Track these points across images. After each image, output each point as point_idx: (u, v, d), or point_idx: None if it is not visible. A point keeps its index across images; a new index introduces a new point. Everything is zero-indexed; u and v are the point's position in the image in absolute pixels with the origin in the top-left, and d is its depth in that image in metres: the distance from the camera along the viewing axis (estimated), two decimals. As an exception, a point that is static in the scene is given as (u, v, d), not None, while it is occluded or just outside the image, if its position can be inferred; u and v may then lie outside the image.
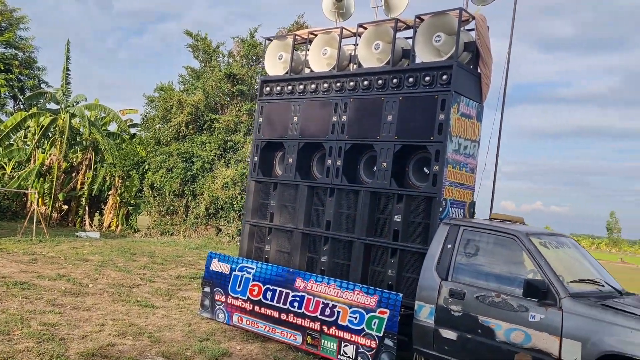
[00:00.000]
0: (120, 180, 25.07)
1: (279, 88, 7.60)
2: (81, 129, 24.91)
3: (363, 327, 5.59)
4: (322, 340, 5.91)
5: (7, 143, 22.84)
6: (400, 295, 5.43)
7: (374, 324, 5.51)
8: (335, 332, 5.82)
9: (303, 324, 6.10)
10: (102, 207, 27.10)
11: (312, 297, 6.08)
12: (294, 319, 6.19)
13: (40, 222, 15.39)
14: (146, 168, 22.23)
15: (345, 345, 5.72)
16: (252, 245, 7.70)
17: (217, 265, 7.17)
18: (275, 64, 7.78)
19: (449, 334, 4.97)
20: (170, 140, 21.65)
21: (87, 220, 25.23)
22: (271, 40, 7.95)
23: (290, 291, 6.30)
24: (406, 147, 6.21)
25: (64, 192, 23.75)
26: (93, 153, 24.87)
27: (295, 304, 6.21)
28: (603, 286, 4.90)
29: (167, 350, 5.68)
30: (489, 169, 6.57)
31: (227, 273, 7.00)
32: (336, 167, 6.75)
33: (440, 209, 5.78)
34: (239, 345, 6.23)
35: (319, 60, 7.27)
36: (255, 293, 6.63)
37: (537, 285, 4.43)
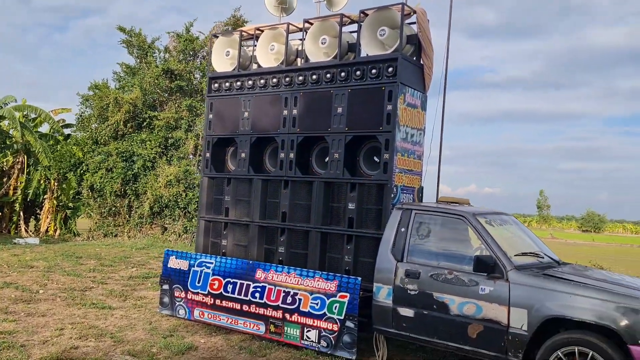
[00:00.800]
0: (56, 183, 24.16)
1: (227, 84, 7.67)
2: (11, 131, 23.76)
3: (325, 312, 5.84)
4: (285, 328, 6.12)
5: None
6: (359, 279, 5.71)
7: (335, 308, 5.77)
8: (297, 318, 6.03)
9: (265, 313, 6.28)
10: (38, 212, 26.05)
11: (273, 287, 6.27)
12: (256, 309, 6.36)
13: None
14: (84, 169, 21.52)
15: (308, 330, 5.95)
16: (208, 240, 7.76)
17: (174, 262, 7.21)
18: (222, 60, 7.85)
19: (406, 311, 5.30)
20: (108, 139, 21.08)
21: (23, 226, 24.20)
22: (217, 37, 8.00)
23: (251, 282, 6.45)
24: (357, 137, 6.48)
25: (-5, 199, 22.65)
26: (25, 156, 23.82)
27: (257, 294, 6.37)
28: (543, 258, 5.37)
29: (132, 349, 5.71)
30: (433, 155, 6.94)
31: (186, 269, 7.05)
32: (289, 159, 6.93)
33: (392, 195, 6.09)
34: (203, 338, 6.34)
35: (267, 55, 7.40)
36: (215, 287, 6.74)
37: (485, 261, 4.81)
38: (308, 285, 6.00)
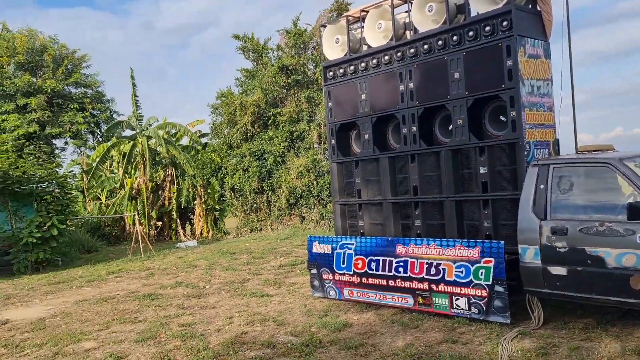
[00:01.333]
0: (202, 189, 26.32)
1: (341, 70, 7.86)
2: (158, 149, 26.33)
3: (471, 279, 5.82)
4: (433, 298, 6.20)
5: (98, 175, 24.61)
6: (502, 242, 5.61)
7: (481, 274, 5.73)
8: (444, 288, 6.09)
9: (411, 286, 6.42)
10: (191, 217, 28.61)
11: (415, 260, 6.38)
12: (402, 284, 6.52)
13: (144, 240, 16.60)
14: (224, 173, 23.21)
15: (457, 299, 5.98)
16: (345, 223, 8.07)
17: (318, 247, 7.61)
18: (333, 48, 8.05)
19: (558, 270, 5.11)
20: (240, 142, 22.47)
21: (181, 232, 26.76)
22: (325, 26, 8.21)
23: (393, 258, 6.62)
24: (478, 100, 6.32)
25: (155, 210, 25.26)
26: (173, 169, 26.23)
27: (400, 269, 6.53)
28: None
29: (293, 330, 6.18)
30: (566, 104, 6.53)
31: (330, 253, 7.42)
32: (412, 133, 6.96)
33: (525, 153, 5.88)
34: (356, 316, 6.64)
35: (375, 35, 7.46)
36: (359, 266, 7.02)
37: (639, 207, 4.48)
38: (450, 255, 6.02)
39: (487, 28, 6.11)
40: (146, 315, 7.53)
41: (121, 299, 8.92)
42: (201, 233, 27.08)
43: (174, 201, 26.39)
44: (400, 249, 6.56)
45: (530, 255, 5.33)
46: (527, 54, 6.03)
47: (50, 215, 14.59)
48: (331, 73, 8.04)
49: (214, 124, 23.47)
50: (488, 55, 6.12)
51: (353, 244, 7.14)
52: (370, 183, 7.63)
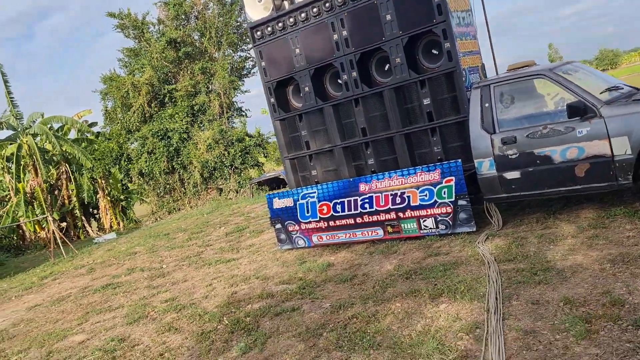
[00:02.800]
0: (103, 181, 25.07)
1: (269, 29, 7.98)
2: (45, 146, 24.50)
3: (435, 200, 6.45)
4: (402, 225, 6.78)
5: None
6: (459, 160, 6.26)
7: (444, 193, 6.37)
8: (411, 213, 6.67)
9: (379, 219, 6.94)
10: (95, 212, 27.20)
11: (380, 194, 6.88)
12: (369, 218, 7.02)
13: (62, 240, 15.71)
14: (126, 159, 22.28)
15: (424, 220, 6.60)
16: (297, 176, 8.38)
17: (279, 203, 7.88)
18: (256, 8, 8.10)
19: (512, 174, 5.86)
20: (139, 124, 21.63)
21: (89, 228, 25.45)
22: (244, -13, 8.22)
23: (357, 197, 7.08)
24: (412, 37, 6.82)
25: (56, 211, 23.75)
26: (66, 165, 24.66)
27: (366, 205, 7.01)
28: (623, 88, 5.79)
29: (282, 280, 6.46)
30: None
31: (292, 205, 7.72)
32: (353, 79, 7.35)
33: (463, 79, 6.51)
34: (332, 256, 7.06)
35: (298, -11, 7.64)
36: (325, 212, 7.41)
37: (577, 106, 5.27)
38: (413, 182, 6.59)
39: (411, -31, 6.56)
40: (119, 302, 7.41)
41: (78, 295, 8.62)
42: (111, 226, 25.96)
43: (74, 198, 25.00)
44: (363, 187, 7.02)
45: (486, 167, 6.03)
46: (451, -12, 6.59)
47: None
48: (259, 33, 8.12)
49: (106, 110, 22.26)
50: (416, -5, 6.60)
51: (315, 192, 7.49)
52: (317, 133, 7.96)
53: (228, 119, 21.81)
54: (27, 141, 22.21)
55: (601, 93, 5.48)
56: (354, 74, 7.32)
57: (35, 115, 23.24)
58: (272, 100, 8.25)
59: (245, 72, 23.92)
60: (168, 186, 21.47)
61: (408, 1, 6.69)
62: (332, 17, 7.32)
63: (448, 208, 6.37)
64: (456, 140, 6.73)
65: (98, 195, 25.66)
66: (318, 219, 7.49)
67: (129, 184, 24.51)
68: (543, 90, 5.84)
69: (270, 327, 4.97)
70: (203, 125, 21.48)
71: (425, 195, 6.51)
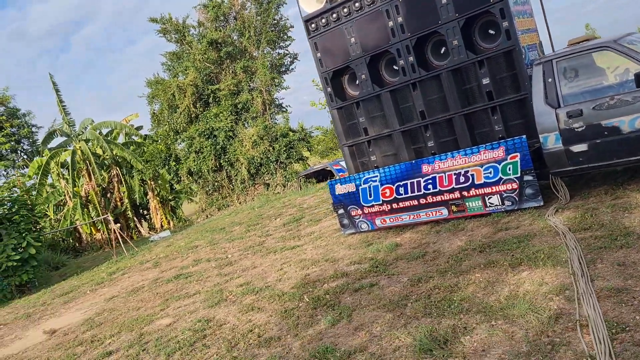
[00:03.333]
0: (153, 182, 25.86)
1: (324, 21, 8.21)
2: (96, 150, 25.45)
3: (500, 177, 6.56)
4: (467, 203, 6.92)
5: (41, 191, 23.55)
6: (524, 137, 6.35)
7: (509, 170, 6.47)
8: (475, 192, 6.80)
9: (443, 198, 7.09)
10: (145, 213, 28.07)
11: (443, 174, 7.03)
12: (433, 199, 7.18)
13: (123, 239, 16.39)
14: (174, 160, 22.94)
15: (489, 198, 6.72)
16: (356, 162, 8.59)
17: (341, 189, 8.11)
18: (309, 1, 8.34)
19: (579, 147, 5.92)
20: (185, 125, 22.22)
21: (141, 229, 26.31)
22: (297, -18, 8.46)
23: (420, 179, 7.25)
24: (469, 19, 6.93)
25: (110, 213, 24.64)
26: (117, 168, 25.53)
27: (430, 186, 7.18)
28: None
29: (352, 261, 6.70)
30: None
31: (354, 190, 7.95)
32: (410, 64, 7.51)
33: (522, 57, 6.59)
34: (398, 237, 7.26)
35: (351, -21, 7.84)
36: (388, 195, 7.60)
37: (646, 74, 5.30)
38: (476, 160, 6.71)
39: (466, -48, 6.67)
40: (195, 289, 7.80)
41: (152, 286, 9.07)
42: (161, 225, 26.76)
43: (126, 200, 25.85)
44: (426, 168, 7.18)
45: (551, 141, 6.11)
46: (506, -32, 6.67)
47: (23, 235, 14.08)
48: (313, 25, 8.36)
49: (154, 113, 22.95)
50: (472, -24, 6.71)
51: (377, 176, 7.69)
52: (375, 119, 8.15)
53: (271, 116, 22.20)
54: (80, 147, 23.14)
55: (669, 60, 5.48)
56: (411, 58, 7.47)
57: (86, 121, 24.20)
58: (329, 89, 8.48)
59: (283, 69, 24.27)
60: (216, 184, 22.03)
61: (463, -17, 6.80)
62: (386, 4, 7.49)
63: (514, 184, 6.48)
64: (517, 118, 6.82)
65: (148, 196, 26.50)
66: (381, 202, 7.69)
67: (176, 185, 25.22)
68: (604, 64, 5.87)
69: (352, 301, 5.21)
70: (247, 123, 21.92)
71: (490, 173, 6.63)
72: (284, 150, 20.89)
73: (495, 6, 6.61)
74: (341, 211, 8.20)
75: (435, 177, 7.11)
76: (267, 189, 21.04)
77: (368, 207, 7.85)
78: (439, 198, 7.13)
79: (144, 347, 5.79)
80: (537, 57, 6.64)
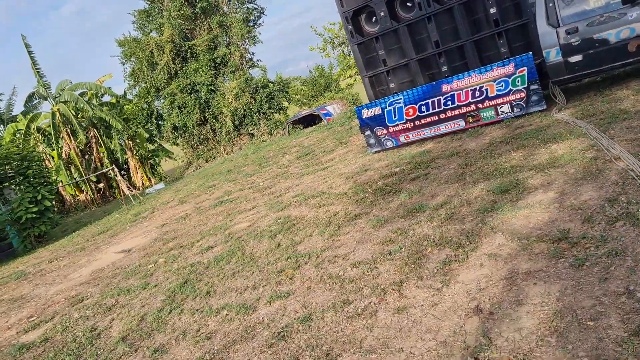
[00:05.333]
0: (131, 141, 26.27)
1: (343, -36, 9.31)
2: (73, 112, 25.51)
3: (510, 89, 8.03)
4: (481, 114, 8.39)
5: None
6: (530, 53, 7.81)
7: (518, 82, 7.95)
8: (489, 103, 8.27)
9: (460, 112, 8.53)
10: (122, 173, 28.48)
11: (460, 91, 8.45)
12: (451, 113, 8.61)
13: (129, 190, 17.17)
14: (156, 117, 23.46)
15: (501, 107, 8.20)
16: (375, 90, 9.90)
17: (367, 113, 9.42)
18: (328, -53, 9.40)
19: (575, 58, 7.45)
20: (166, 82, 22.72)
21: (124, 187, 26.78)
22: None
23: (440, 97, 8.64)
24: (478, -42, 8.24)
25: (92, 174, 25.04)
26: (94, 129, 25.77)
27: (449, 103, 8.59)
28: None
29: (392, 165, 8.06)
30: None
31: (380, 113, 9.27)
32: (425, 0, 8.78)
33: (524, -12, 7.99)
34: (422, 148, 8.67)
35: None
36: (411, 114, 8.98)
37: (629, -6, 6.81)
38: (490, 76, 8.15)
39: None
40: (251, 205, 8.99)
41: (199, 212, 10.18)
42: (143, 183, 27.34)
43: (106, 160, 26.22)
44: (445, 87, 8.57)
45: (553, 55, 7.61)
46: None
47: (38, 188, 14.70)
48: (333, -31, 9.43)
49: (133, 71, 23.25)
50: None
51: (401, 99, 9.03)
52: (393, 51, 9.44)
53: (248, 69, 23.00)
54: (59, 109, 23.24)
55: (646, -17, 7.01)
56: (426, -5, 8.74)
57: (63, 83, 24.17)
58: (350, 27, 9.66)
59: (252, 24, 24.90)
60: (202, 137, 22.82)
61: None
62: (403, -52, 8.67)
63: (522, 93, 7.97)
64: (520, 41, 8.28)
65: (126, 156, 26.90)
66: (405, 120, 9.06)
67: (159, 141, 25.73)
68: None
69: (414, 186, 6.60)
70: (226, 77, 22.65)
71: (502, 86, 8.09)
72: (265, 101, 21.85)
73: (501, -54, 7.93)
74: (368, 132, 9.53)
75: (454, 94, 8.52)
76: (252, 138, 22.06)
77: (393, 126, 9.22)
78: (457, 112, 8.57)
79: (239, 240, 7.02)
80: (537, -13, 8.04)
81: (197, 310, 4.99)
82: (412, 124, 9.02)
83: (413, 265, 4.24)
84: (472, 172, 6.19)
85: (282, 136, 20.17)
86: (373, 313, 3.70)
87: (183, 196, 13.42)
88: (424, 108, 8.84)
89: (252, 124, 21.97)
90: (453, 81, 8.51)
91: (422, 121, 8.91)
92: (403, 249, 4.63)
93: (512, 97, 8.07)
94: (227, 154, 22.26)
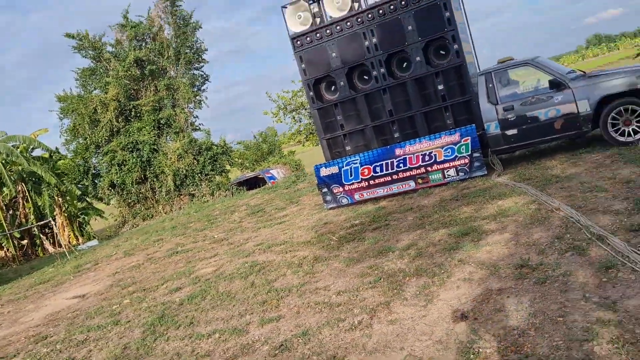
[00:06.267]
0: (60, 198, 25.46)
1: (308, 39, 10.33)
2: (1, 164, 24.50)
3: (455, 155, 9.07)
4: (430, 176, 9.33)
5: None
6: (474, 125, 8.94)
7: (463, 149, 9.01)
8: (437, 167, 9.24)
9: (411, 174, 9.44)
10: (47, 231, 27.29)
11: (412, 155, 9.40)
12: (403, 175, 9.50)
13: (63, 245, 16.60)
14: (92, 174, 23.08)
15: (447, 171, 9.19)
16: (332, 152, 10.69)
17: (325, 171, 10.15)
18: (296, 23, 10.43)
19: (511, 131, 8.63)
20: (108, 138, 22.63)
21: (49, 245, 25.57)
22: (286, 7, 10.51)
23: (393, 159, 9.54)
24: (428, 41, 9.48)
25: (16, 230, 23.90)
26: (22, 184, 24.83)
27: (401, 165, 9.50)
28: (576, 71, 8.78)
29: (349, 219, 8.71)
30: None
31: (337, 172, 10.02)
32: (382, 74, 9.88)
33: (467, 70, 9.26)
34: (375, 205, 9.42)
35: (333, 8, 10.10)
36: (366, 174, 9.79)
37: (555, 81, 8.15)
38: (438, 143, 9.18)
39: (428, -7, 9.26)
40: (210, 254, 9.23)
41: (152, 261, 10.22)
42: (69, 242, 26.25)
43: (31, 217, 25.15)
44: (398, 151, 9.51)
45: (492, 128, 8.77)
46: (454, 7, 9.37)
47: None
48: (299, 42, 10.42)
49: (74, 126, 22.94)
50: (432, 11, 9.30)
51: (358, 160, 9.86)
52: (350, 117, 10.37)
53: (193, 131, 23.47)
54: (-11, 160, 22.34)
55: (567, 74, 8.43)
56: (382, 70, 9.85)
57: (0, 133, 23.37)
58: (311, 93, 10.55)
59: (195, 89, 25.62)
60: (141, 195, 22.57)
61: (425, 16, 9.36)
62: (364, 28, 9.83)
63: (466, 160, 9.02)
64: (463, 114, 9.44)
65: (55, 213, 25.90)
66: (360, 180, 9.85)
67: (89, 199, 25.14)
68: (521, 77, 8.72)
69: (377, 234, 7.25)
70: (170, 137, 22.94)
71: (449, 152, 9.12)
72: (208, 163, 22.23)
73: (449, 33, 9.24)
74: (325, 189, 10.21)
75: (406, 157, 9.46)
76: (193, 198, 22.11)
77: (349, 184, 9.96)
78: (408, 174, 9.47)
79: (209, 282, 7.26)
80: (478, 71, 9.35)
81: (185, 336, 5.21)
82: (367, 183, 9.81)
83: (395, 290, 4.79)
84: (431, 222, 6.94)
85: (226, 197, 20.45)
86: (368, 325, 4.19)
87: (128, 249, 13.28)
88: (378, 169, 9.69)
89: (193, 185, 22.12)
90: (406, 146, 9.47)
91: (376, 181, 9.73)
92: (382, 279, 5.19)
93: (457, 163, 9.09)
94: (165, 213, 22.10)
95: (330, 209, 10.23)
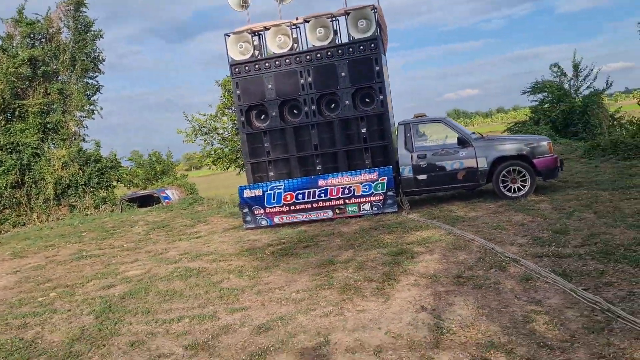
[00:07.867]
0: None
1: (247, 68, 11.04)
2: None
3: (372, 191, 10.20)
4: (347, 208, 10.33)
5: None
6: (391, 167, 10.17)
7: (379, 187, 10.17)
8: (354, 200, 10.28)
9: (330, 204, 10.38)
10: None
11: (333, 187, 10.36)
12: (323, 204, 10.40)
13: None
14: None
15: (363, 205, 10.26)
16: (255, 176, 11.30)
17: (249, 193, 10.72)
18: (236, 51, 11.11)
19: (422, 176, 10.00)
20: (-18, 135, 20.84)
21: None
22: (229, 35, 11.16)
23: (316, 189, 10.42)
24: (358, 89, 10.69)
25: None
26: None
27: (322, 195, 10.40)
28: (475, 134, 10.47)
29: (277, 238, 9.32)
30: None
31: (261, 195, 10.65)
32: (312, 110, 10.85)
33: (390, 119, 10.58)
34: (295, 229, 10.14)
35: (274, 44, 10.97)
36: (288, 199, 10.54)
37: (462, 139, 9.70)
38: (358, 179, 10.25)
39: (361, 47, 10.53)
40: (131, 259, 9.22)
41: (56, 264, 9.85)
42: None
43: None
44: (321, 182, 10.42)
45: (406, 171, 10.07)
46: (383, 62, 10.72)
47: None
48: (237, 69, 11.09)
49: (-55, 117, 20.77)
50: (364, 63, 10.55)
51: (282, 185, 10.58)
52: (277, 146, 11.13)
53: (82, 140, 22.48)
54: None
55: (471, 134, 10.06)
56: (313, 107, 10.83)
57: None
58: (242, 119, 11.18)
59: (88, 98, 24.68)
60: (14, 200, 20.81)
61: (358, 66, 10.59)
62: (301, 67, 10.79)
63: (380, 196, 10.17)
64: (381, 157, 10.67)
65: None
66: (282, 204, 10.56)
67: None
68: (443, 129, 10.22)
69: (310, 251, 7.97)
70: (56, 144, 21.73)
71: (366, 188, 10.22)
72: (95, 175, 21.36)
73: (377, 84, 10.53)
74: (246, 210, 10.73)
75: (327, 188, 10.38)
76: (73, 210, 20.89)
77: (270, 207, 10.61)
78: (327, 204, 10.39)
79: (142, 282, 7.38)
80: (401, 120, 10.71)
81: (150, 321, 5.43)
82: (288, 208, 10.54)
83: (352, 291, 5.55)
84: (360, 244, 7.83)
85: (112, 212, 19.69)
86: (340, 313, 4.88)
87: (15, 252, 12.43)
88: (300, 196, 10.48)
89: (75, 196, 20.98)
90: (329, 178, 10.42)
91: (297, 207, 10.50)
92: (336, 283, 5.92)
93: (373, 198, 10.21)
94: (40, 222, 20.56)
95: (248, 229, 10.75)
